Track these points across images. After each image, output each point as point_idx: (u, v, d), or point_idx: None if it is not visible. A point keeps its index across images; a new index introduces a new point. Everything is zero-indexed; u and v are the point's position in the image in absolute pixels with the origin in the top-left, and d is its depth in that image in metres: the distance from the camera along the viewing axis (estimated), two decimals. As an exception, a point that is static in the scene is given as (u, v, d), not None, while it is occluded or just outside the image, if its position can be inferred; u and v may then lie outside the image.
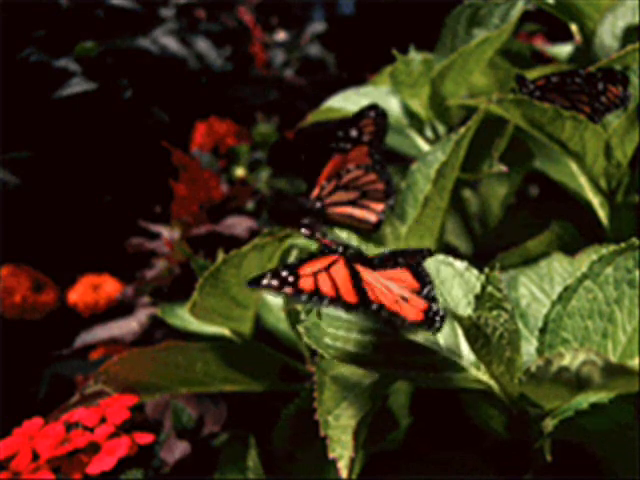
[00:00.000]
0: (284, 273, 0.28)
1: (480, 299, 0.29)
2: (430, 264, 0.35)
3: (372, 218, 0.46)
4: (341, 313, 0.34)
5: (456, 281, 0.34)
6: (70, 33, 0.73)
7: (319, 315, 0.33)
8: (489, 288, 0.29)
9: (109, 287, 0.65)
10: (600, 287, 0.31)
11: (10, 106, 0.66)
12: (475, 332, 0.27)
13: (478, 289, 0.30)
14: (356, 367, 0.31)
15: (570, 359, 0.24)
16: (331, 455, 0.29)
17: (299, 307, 0.34)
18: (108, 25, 0.77)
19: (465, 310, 0.32)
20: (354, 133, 0.42)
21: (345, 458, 0.29)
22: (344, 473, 0.29)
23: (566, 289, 0.32)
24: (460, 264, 0.34)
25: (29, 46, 0.70)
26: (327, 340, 0.31)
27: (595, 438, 0.35)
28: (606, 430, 0.34)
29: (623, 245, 0.31)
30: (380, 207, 0.45)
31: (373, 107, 0.42)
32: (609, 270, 0.31)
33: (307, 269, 0.30)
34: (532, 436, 0.32)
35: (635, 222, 0.49)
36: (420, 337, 0.32)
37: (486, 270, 0.30)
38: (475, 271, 0.34)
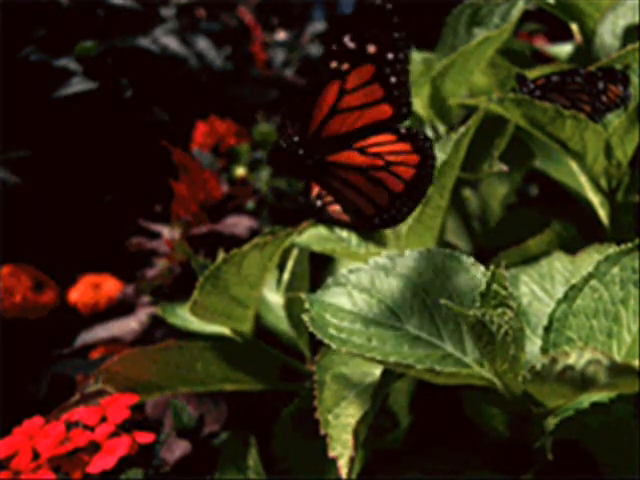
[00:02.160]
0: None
1: (485, 296, 0.29)
2: (435, 257, 0.35)
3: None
4: (344, 304, 0.34)
5: (461, 276, 0.33)
6: (70, 32, 0.73)
7: (323, 304, 0.33)
8: (494, 286, 0.29)
9: (109, 286, 0.65)
10: (606, 287, 0.31)
11: (10, 105, 0.66)
12: (480, 329, 0.27)
13: (483, 285, 0.30)
14: (359, 361, 0.31)
15: (576, 358, 0.24)
16: (331, 454, 0.30)
17: (302, 296, 0.34)
18: (108, 24, 0.77)
19: (470, 306, 0.32)
20: None
21: (345, 457, 0.29)
22: (344, 472, 0.29)
23: (572, 288, 0.32)
24: (466, 258, 0.34)
25: (29, 45, 0.70)
26: (331, 331, 0.31)
27: (595, 437, 0.35)
28: (606, 429, 0.35)
29: (630, 245, 0.31)
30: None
31: None
32: (615, 270, 0.31)
33: None
34: (533, 435, 0.32)
35: (635, 222, 0.49)
36: (424, 332, 0.32)
37: (491, 268, 0.30)
38: (481, 267, 0.33)
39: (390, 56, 0.28)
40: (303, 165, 0.32)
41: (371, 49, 0.28)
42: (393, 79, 0.29)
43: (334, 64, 0.29)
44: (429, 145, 0.31)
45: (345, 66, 0.29)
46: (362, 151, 0.31)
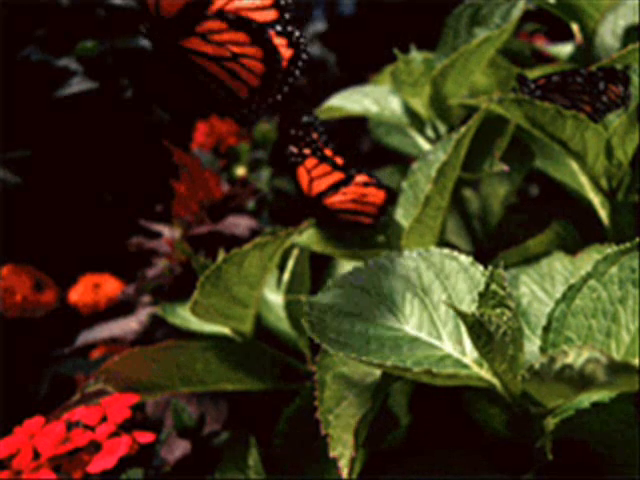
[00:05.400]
0: None
1: (484, 296, 0.29)
2: (435, 258, 0.35)
3: (373, 213, 0.46)
4: (344, 306, 0.34)
5: (460, 276, 0.34)
6: (70, 32, 0.73)
7: (322, 307, 0.33)
8: (493, 286, 0.29)
9: (110, 286, 0.65)
10: (604, 286, 0.31)
11: (11, 105, 0.66)
12: (478, 329, 0.27)
13: (482, 285, 0.30)
14: (359, 363, 0.31)
15: (574, 357, 0.24)
16: (332, 454, 0.30)
17: (302, 299, 0.34)
18: (108, 24, 0.77)
19: (469, 306, 0.32)
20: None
21: (346, 457, 0.29)
22: (345, 472, 0.29)
23: (570, 288, 0.32)
24: (465, 258, 0.34)
25: (29, 45, 0.70)
26: (331, 334, 0.31)
27: (596, 437, 0.35)
28: (607, 429, 0.35)
29: (628, 245, 0.31)
30: (381, 199, 0.46)
31: None
32: (614, 270, 0.31)
33: None
34: (533, 435, 0.32)
35: (636, 222, 0.49)
36: (424, 333, 0.32)
37: (490, 268, 0.30)
38: (480, 267, 0.33)
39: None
40: None
41: None
42: None
43: None
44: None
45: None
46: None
